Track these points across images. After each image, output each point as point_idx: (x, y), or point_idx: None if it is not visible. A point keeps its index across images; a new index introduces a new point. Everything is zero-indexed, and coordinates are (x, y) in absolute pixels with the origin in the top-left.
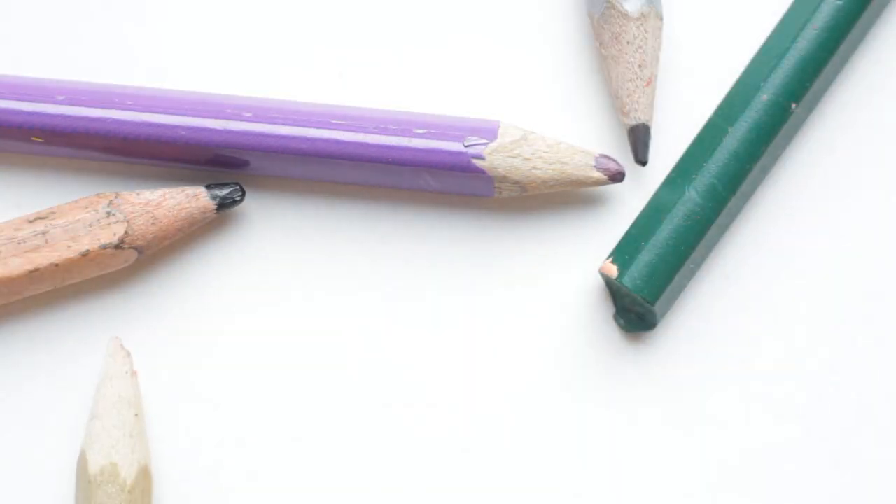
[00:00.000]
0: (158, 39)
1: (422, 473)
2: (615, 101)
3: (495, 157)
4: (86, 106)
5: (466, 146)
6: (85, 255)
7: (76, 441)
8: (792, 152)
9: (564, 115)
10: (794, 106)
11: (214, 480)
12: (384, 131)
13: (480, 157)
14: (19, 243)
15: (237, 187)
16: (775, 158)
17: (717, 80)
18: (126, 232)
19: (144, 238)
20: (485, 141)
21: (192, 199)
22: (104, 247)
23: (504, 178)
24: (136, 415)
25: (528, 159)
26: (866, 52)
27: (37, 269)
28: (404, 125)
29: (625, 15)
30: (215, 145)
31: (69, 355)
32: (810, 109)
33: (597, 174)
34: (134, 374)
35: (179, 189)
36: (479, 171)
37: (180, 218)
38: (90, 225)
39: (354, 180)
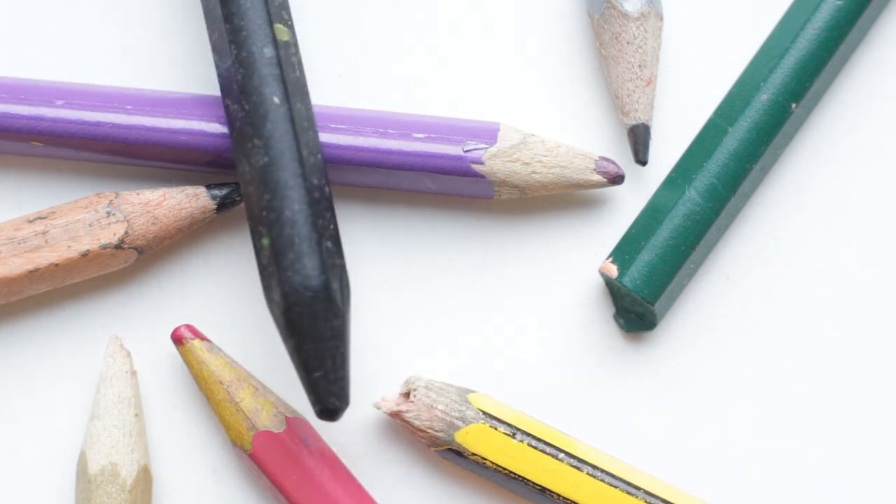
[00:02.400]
0: (157, 40)
1: (422, 473)
2: (615, 101)
3: (494, 163)
4: (85, 110)
5: (465, 151)
6: (85, 255)
7: (76, 441)
8: (792, 152)
9: (564, 115)
10: (794, 106)
11: (214, 480)
12: (383, 135)
13: (479, 162)
14: (19, 243)
15: (237, 187)
16: (775, 158)
17: (717, 80)
18: (126, 232)
19: (144, 238)
20: (484, 146)
21: (192, 198)
22: (104, 247)
23: (503, 183)
24: (136, 415)
25: (527, 164)
26: (866, 52)
27: (37, 269)
28: (403, 128)
29: (625, 15)
30: (215, 149)
31: (69, 355)
32: (810, 109)
33: (596, 177)
34: (134, 374)
35: (179, 189)
36: (479, 176)
37: (180, 218)
38: (90, 225)
39: (354, 182)
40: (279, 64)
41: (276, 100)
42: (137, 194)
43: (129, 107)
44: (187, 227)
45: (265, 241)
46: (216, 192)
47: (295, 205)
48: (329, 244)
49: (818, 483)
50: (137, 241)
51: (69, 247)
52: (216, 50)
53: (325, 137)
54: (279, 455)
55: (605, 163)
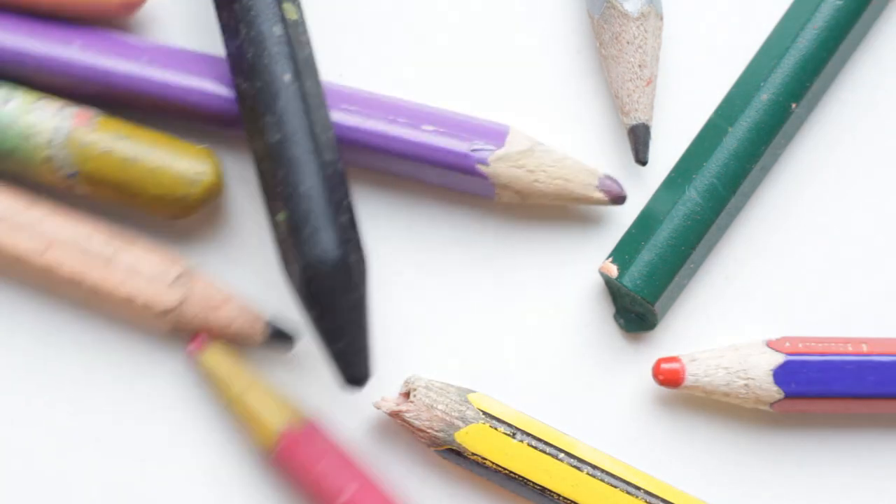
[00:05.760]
0: (161, 23)
1: (422, 473)
2: (615, 101)
3: (499, 165)
4: (101, 54)
5: (472, 150)
6: (127, 299)
7: (84, 443)
8: (792, 152)
9: (564, 115)
10: (794, 106)
11: (215, 480)
12: (392, 122)
13: (484, 163)
14: (83, 252)
15: (293, 339)
16: (775, 158)
17: (717, 80)
18: (175, 309)
19: (185, 322)
20: (491, 147)
21: (249, 321)
22: (146, 305)
23: (505, 187)
24: None
25: (531, 171)
26: (866, 52)
27: (81, 282)
28: (413, 118)
29: (625, 15)
30: (222, 107)
31: (71, 356)
32: (810, 109)
33: (598, 195)
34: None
35: (244, 306)
36: (482, 176)
37: (228, 328)
38: (152, 278)
39: (357, 162)
40: (289, 42)
41: (286, 77)
42: (208, 285)
43: (145, 58)
44: (228, 339)
45: (281, 217)
46: (274, 326)
47: (309, 180)
48: (345, 218)
49: (821, 482)
50: (178, 321)
51: (123, 281)
52: (225, 30)
53: (333, 116)
54: (307, 453)
55: (609, 182)
